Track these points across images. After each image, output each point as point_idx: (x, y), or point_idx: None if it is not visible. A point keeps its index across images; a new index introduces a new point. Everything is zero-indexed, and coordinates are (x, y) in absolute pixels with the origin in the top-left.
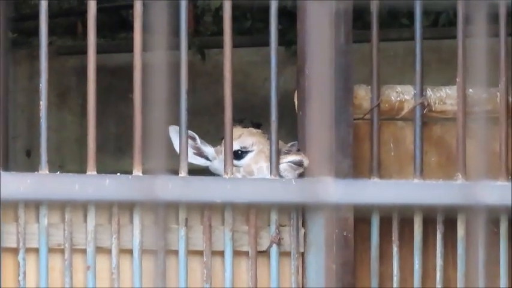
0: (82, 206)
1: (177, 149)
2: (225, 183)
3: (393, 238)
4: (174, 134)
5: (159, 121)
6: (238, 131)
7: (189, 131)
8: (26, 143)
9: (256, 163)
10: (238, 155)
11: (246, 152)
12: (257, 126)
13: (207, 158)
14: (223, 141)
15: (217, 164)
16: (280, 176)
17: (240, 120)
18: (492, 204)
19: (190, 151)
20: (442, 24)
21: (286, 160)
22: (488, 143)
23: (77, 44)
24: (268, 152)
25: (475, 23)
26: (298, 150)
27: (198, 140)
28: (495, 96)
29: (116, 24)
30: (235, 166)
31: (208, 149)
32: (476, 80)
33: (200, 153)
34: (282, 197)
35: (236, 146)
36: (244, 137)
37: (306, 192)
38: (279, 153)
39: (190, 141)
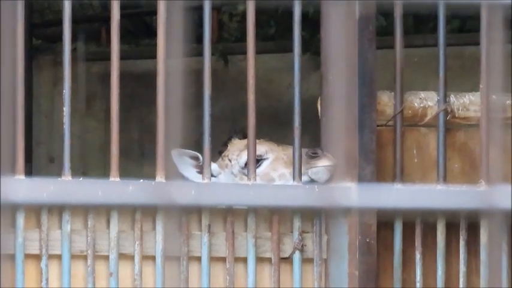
0: (105, 213)
1: (182, 171)
2: (248, 189)
3: (416, 245)
4: (178, 157)
5: (175, 128)
6: (242, 142)
7: (191, 151)
8: (50, 149)
9: (276, 170)
10: None
11: (261, 160)
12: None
13: (211, 175)
14: (223, 155)
15: (223, 178)
16: (312, 180)
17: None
18: None
19: (193, 170)
20: (466, 30)
21: (322, 164)
22: (510, 149)
23: (101, 50)
24: (286, 158)
25: (492, 29)
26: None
27: (201, 159)
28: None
29: (140, 31)
30: None
31: (212, 165)
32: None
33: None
34: (304, 202)
35: None
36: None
37: (329, 197)
38: (301, 159)
39: (192, 161)
